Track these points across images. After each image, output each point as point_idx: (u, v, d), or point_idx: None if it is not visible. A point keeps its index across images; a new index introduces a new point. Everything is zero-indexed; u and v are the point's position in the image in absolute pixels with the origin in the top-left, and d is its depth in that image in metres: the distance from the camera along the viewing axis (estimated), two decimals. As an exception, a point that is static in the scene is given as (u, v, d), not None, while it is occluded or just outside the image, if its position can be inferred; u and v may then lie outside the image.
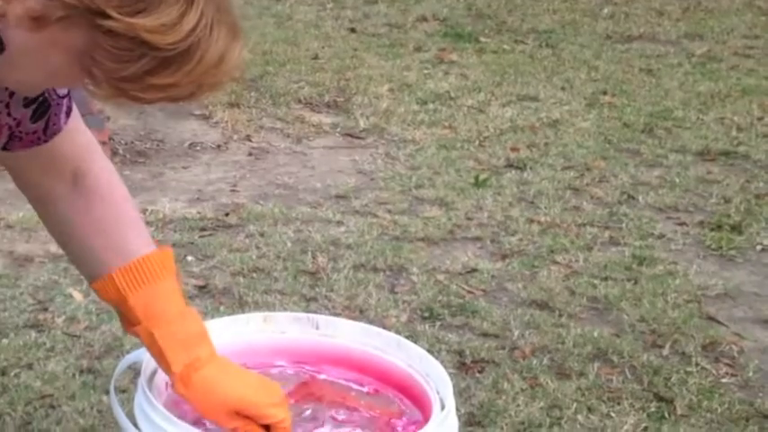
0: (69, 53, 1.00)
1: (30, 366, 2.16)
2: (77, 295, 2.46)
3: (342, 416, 1.39)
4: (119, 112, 3.62)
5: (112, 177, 1.36)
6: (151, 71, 0.98)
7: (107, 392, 1.99)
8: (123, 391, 1.92)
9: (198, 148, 3.54)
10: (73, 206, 1.32)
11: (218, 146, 3.57)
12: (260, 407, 1.28)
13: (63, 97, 1.26)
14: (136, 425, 1.31)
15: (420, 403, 1.43)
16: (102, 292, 1.30)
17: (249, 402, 1.28)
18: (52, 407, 2.02)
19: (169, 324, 1.28)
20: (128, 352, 1.56)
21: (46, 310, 2.40)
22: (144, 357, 1.40)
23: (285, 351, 1.49)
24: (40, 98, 1.23)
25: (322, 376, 1.49)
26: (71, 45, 0.99)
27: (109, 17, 0.95)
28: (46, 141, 1.26)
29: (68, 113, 1.28)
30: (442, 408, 1.35)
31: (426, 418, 1.36)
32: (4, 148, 1.25)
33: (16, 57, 1.02)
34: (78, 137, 1.32)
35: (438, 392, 1.40)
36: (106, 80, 1.00)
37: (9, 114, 1.21)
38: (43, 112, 1.24)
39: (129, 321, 1.30)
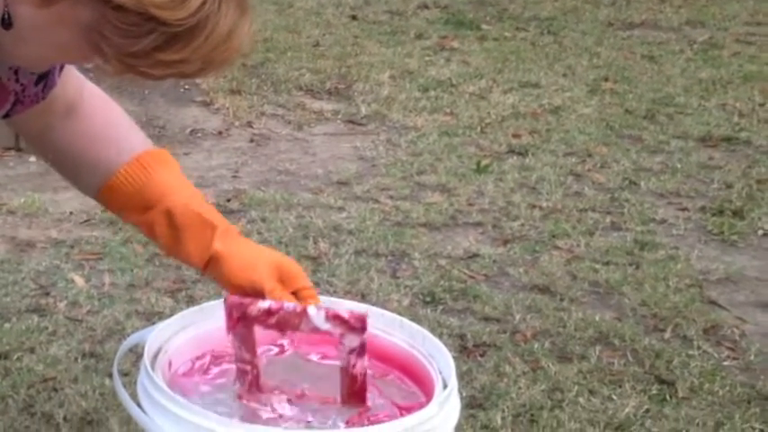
0: (77, 29, 1.00)
1: (32, 350, 2.16)
2: (79, 280, 2.47)
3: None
4: (120, 98, 3.61)
5: (102, 98, 1.38)
6: (160, 47, 0.98)
7: (109, 376, 1.99)
8: (125, 374, 1.92)
9: (199, 134, 3.54)
10: (68, 129, 1.34)
11: (220, 132, 3.57)
12: (299, 269, 1.32)
13: None
14: (140, 406, 1.32)
15: (422, 383, 1.43)
16: (112, 191, 1.32)
17: (291, 262, 1.31)
18: (55, 390, 2.03)
19: (192, 198, 1.31)
20: (129, 336, 1.57)
21: (48, 294, 2.40)
22: (146, 339, 1.41)
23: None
24: None
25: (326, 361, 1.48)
26: (79, 21, 0.99)
27: None
28: (44, 98, 1.28)
29: (61, 68, 1.29)
30: (445, 387, 1.36)
31: (429, 399, 1.36)
32: (6, 116, 1.26)
33: (24, 33, 1.02)
34: (70, 80, 1.34)
35: (440, 372, 1.40)
36: (115, 56, 1.00)
37: (17, 81, 1.22)
38: (45, 75, 1.25)
39: (140, 211, 1.31)
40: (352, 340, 1.31)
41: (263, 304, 1.29)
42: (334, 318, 1.30)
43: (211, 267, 1.33)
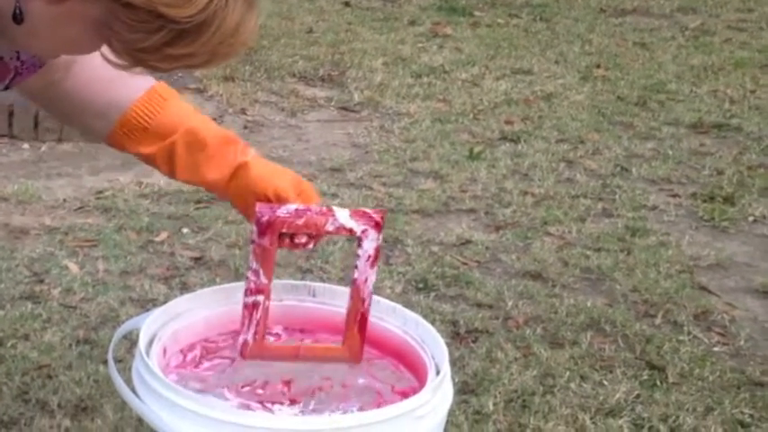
0: (88, 24, 1.02)
1: (26, 337, 2.17)
2: (73, 267, 2.47)
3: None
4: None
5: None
6: (169, 42, 1.00)
7: (103, 362, 2.00)
8: (119, 361, 1.92)
9: (192, 121, 3.54)
10: (71, 83, 1.36)
11: (214, 119, 3.53)
12: (313, 187, 1.38)
13: None
14: (134, 392, 1.33)
15: (415, 369, 1.44)
16: (129, 125, 1.35)
17: (306, 181, 1.39)
18: (49, 377, 2.03)
19: (210, 120, 1.38)
20: (123, 322, 1.58)
21: (42, 281, 2.41)
22: (141, 325, 1.41)
23: (282, 318, 1.50)
24: None
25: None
26: (90, 17, 1.01)
27: None
28: (41, 66, 1.29)
29: None
30: (437, 373, 1.37)
31: (422, 384, 1.37)
32: (6, 88, 1.27)
33: (36, 27, 1.04)
34: None
35: (433, 358, 1.42)
36: (125, 51, 1.03)
37: (18, 58, 1.24)
38: None
39: (159, 136, 1.35)
40: (372, 240, 1.36)
41: (292, 206, 1.35)
42: (357, 215, 1.36)
43: (236, 179, 1.37)
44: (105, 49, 1.05)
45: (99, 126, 1.39)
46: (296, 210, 1.34)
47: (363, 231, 1.36)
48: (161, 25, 0.98)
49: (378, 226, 1.36)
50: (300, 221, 1.34)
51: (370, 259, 1.38)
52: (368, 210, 1.37)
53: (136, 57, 1.03)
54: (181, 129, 1.35)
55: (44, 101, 1.41)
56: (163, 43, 1.00)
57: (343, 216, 1.35)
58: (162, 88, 1.37)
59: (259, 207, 1.33)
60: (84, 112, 1.39)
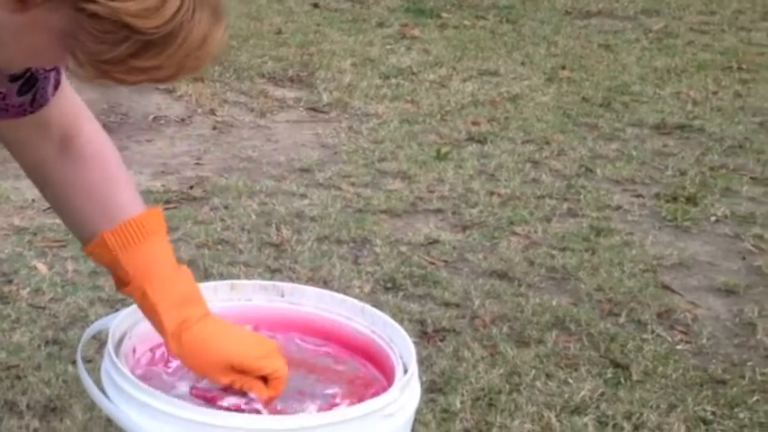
0: (52, 35, 1.00)
1: (-5, 338, 2.17)
2: (42, 267, 2.47)
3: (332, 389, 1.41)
4: (82, 85, 3.60)
5: (100, 141, 1.37)
6: (134, 54, 0.99)
7: (72, 363, 2.01)
8: (89, 361, 1.93)
9: (162, 121, 3.54)
10: (61, 171, 1.34)
11: (183, 119, 3.57)
12: (254, 359, 1.31)
13: (51, 70, 1.27)
14: (103, 392, 1.33)
15: (383, 368, 1.46)
16: (94, 254, 1.33)
17: (244, 355, 1.30)
18: (18, 377, 2.03)
19: (162, 282, 1.30)
20: (92, 323, 1.58)
21: (10, 282, 2.40)
22: (110, 326, 1.42)
23: (252, 318, 1.52)
24: (27, 73, 1.23)
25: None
26: (54, 27, 0.99)
27: (92, 1, 0.96)
28: (32, 113, 1.27)
29: (56, 86, 1.29)
30: (405, 372, 1.39)
31: (390, 383, 1.39)
32: None
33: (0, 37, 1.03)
34: (66, 105, 1.33)
35: (401, 357, 1.44)
36: (89, 62, 1.01)
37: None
38: (30, 86, 1.25)
39: (121, 281, 1.32)
40: None
41: (227, 402, 1.34)
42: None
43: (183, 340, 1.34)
44: (71, 62, 1.05)
45: (74, 232, 1.38)
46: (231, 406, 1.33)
47: None
48: (126, 36, 0.97)
49: None
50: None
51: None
52: None
53: (101, 68, 1.01)
54: (137, 282, 1.30)
55: (36, 178, 1.38)
56: (128, 54, 0.99)
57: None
58: (135, 226, 1.32)
59: (194, 395, 1.34)
60: (65, 212, 1.37)
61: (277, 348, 1.35)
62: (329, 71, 4.08)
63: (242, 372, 1.31)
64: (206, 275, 2.47)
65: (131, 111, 3.59)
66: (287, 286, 1.56)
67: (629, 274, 2.63)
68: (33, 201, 2.83)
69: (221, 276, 2.45)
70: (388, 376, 1.43)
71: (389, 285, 2.51)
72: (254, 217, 2.82)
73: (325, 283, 2.47)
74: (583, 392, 2.11)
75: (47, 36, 1.01)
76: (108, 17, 0.96)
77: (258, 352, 1.32)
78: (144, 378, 1.37)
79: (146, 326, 1.45)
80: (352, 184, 3.10)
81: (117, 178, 1.37)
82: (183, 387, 1.39)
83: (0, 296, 2.34)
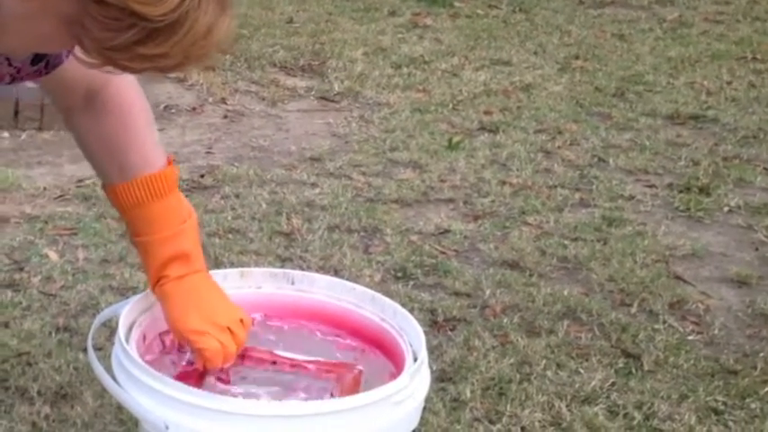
0: (59, 21, 1.01)
1: (6, 325, 2.17)
2: (53, 255, 2.48)
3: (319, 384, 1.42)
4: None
5: (127, 95, 1.44)
6: (140, 41, 1.00)
7: (83, 350, 2.01)
8: (99, 349, 1.93)
9: (173, 110, 3.54)
10: (82, 120, 1.43)
11: (194, 108, 3.57)
12: (189, 332, 1.39)
13: None
14: (114, 379, 1.34)
15: (393, 356, 1.46)
16: (110, 199, 1.44)
17: (182, 328, 1.40)
18: (29, 364, 2.04)
19: (162, 242, 1.40)
20: (103, 310, 1.58)
21: (22, 269, 2.41)
22: (120, 313, 1.43)
23: (261, 306, 1.52)
24: None
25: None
26: (61, 13, 1.00)
27: None
28: (47, 73, 1.31)
29: (68, 54, 1.31)
30: (415, 360, 1.39)
31: (399, 371, 1.39)
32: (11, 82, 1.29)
33: (6, 23, 1.03)
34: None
35: (411, 345, 1.43)
36: (95, 49, 1.02)
37: (10, 65, 1.24)
38: (42, 57, 1.28)
39: (131, 232, 1.44)
40: None
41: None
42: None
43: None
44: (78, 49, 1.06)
45: (101, 176, 1.47)
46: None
47: None
48: (132, 23, 0.98)
49: None
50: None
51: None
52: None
53: (106, 55, 1.02)
54: (141, 237, 1.42)
55: (67, 124, 1.48)
56: (134, 42, 1.00)
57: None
58: (150, 183, 1.41)
59: (178, 377, 1.39)
60: (88, 157, 1.48)
61: (241, 327, 1.40)
62: (340, 60, 4.07)
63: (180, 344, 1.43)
64: (216, 264, 2.47)
65: (143, 99, 3.59)
66: (297, 274, 1.56)
67: (641, 265, 2.62)
68: (45, 189, 2.84)
69: (232, 265, 2.45)
70: (397, 364, 1.43)
71: (400, 275, 2.51)
72: (264, 206, 2.82)
73: (336, 273, 2.46)
74: (594, 382, 2.10)
75: (54, 22, 1.01)
76: (115, 4, 0.97)
77: (197, 325, 1.39)
78: (154, 364, 1.38)
79: (156, 313, 1.45)
80: (363, 174, 3.09)
81: (134, 131, 1.44)
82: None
83: (11, 284, 2.34)
